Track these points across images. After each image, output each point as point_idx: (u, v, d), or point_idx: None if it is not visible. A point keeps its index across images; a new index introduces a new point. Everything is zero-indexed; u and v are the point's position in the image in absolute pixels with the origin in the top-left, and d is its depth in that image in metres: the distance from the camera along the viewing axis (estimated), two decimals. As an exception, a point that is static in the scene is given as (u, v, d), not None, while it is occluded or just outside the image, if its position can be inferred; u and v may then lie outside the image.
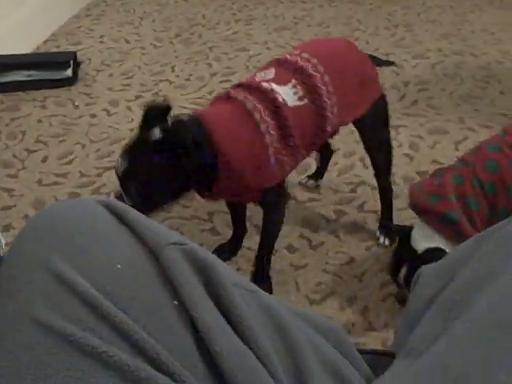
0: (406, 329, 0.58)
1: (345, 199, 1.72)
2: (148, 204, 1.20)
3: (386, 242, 1.54)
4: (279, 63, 1.32)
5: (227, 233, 1.60)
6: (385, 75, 2.44)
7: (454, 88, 2.34)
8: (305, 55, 1.31)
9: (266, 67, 1.33)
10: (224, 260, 1.39)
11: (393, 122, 2.08)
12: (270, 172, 1.25)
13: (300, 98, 1.26)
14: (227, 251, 1.53)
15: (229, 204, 1.49)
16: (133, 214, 0.49)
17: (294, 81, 1.27)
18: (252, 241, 1.54)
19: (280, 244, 1.56)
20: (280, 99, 1.24)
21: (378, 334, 1.31)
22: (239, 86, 1.30)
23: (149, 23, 3.00)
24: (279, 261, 1.51)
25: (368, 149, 1.51)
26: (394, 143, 1.58)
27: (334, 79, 1.30)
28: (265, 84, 1.26)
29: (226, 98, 1.27)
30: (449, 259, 0.64)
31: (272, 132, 1.23)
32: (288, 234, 1.60)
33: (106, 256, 0.44)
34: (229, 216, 1.56)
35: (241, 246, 1.55)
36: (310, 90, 1.27)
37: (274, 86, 1.26)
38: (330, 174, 1.82)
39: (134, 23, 3.01)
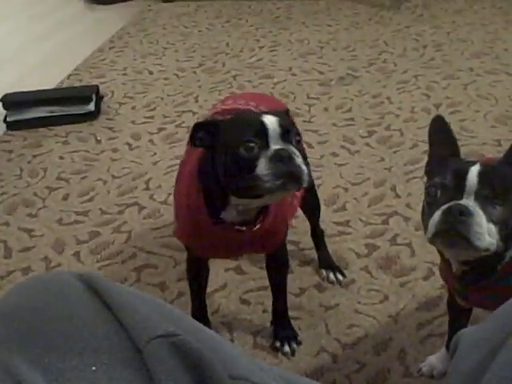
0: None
1: (376, 232, 1.63)
2: None
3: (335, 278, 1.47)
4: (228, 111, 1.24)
5: (253, 271, 1.52)
6: (415, 98, 2.36)
7: (489, 109, 2.24)
8: (252, 103, 1.27)
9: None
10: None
11: (425, 146, 2.01)
12: (292, 203, 1.25)
13: None
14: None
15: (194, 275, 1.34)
16: (117, 294, 0.41)
17: None
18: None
19: (309, 282, 1.48)
20: None
21: (416, 381, 1.21)
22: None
23: (172, 53, 2.97)
24: (307, 301, 1.43)
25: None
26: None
27: None
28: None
29: None
30: (492, 323, 0.55)
31: None
32: (317, 271, 1.51)
33: (78, 357, 0.37)
34: (254, 255, 1.48)
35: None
36: None
37: None
38: (361, 205, 1.73)
39: (158, 54, 2.98)
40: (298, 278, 1.50)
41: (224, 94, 2.48)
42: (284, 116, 1.07)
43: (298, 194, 1.25)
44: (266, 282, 1.46)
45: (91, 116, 2.34)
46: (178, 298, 1.47)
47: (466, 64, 2.63)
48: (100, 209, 1.82)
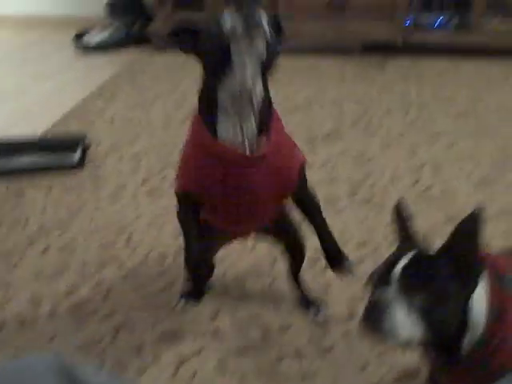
0: None
1: (358, 296, 1.62)
2: None
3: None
4: None
5: (231, 335, 1.50)
6: (399, 157, 2.38)
7: (471, 170, 2.26)
8: None
9: None
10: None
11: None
12: (299, 153, 1.24)
13: None
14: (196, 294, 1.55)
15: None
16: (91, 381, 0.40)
17: None
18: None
19: (287, 348, 1.46)
20: None
21: None
22: None
23: (160, 104, 2.99)
24: (286, 368, 1.40)
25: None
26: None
27: None
28: None
29: None
30: None
31: None
32: (297, 336, 1.49)
33: None
34: (233, 316, 1.46)
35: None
36: None
37: None
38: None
39: (146, 104, 2.99)
40: (277, 343, 1.48)
41: (210, 147, 2.49)
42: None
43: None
44: (244, 348, 1.44)
45: (77, 166, 2.34)
46: (154, 363, 1.43)
47: (449, 124, 2.67)
48: (80, 263, 1.80)
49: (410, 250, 0.94)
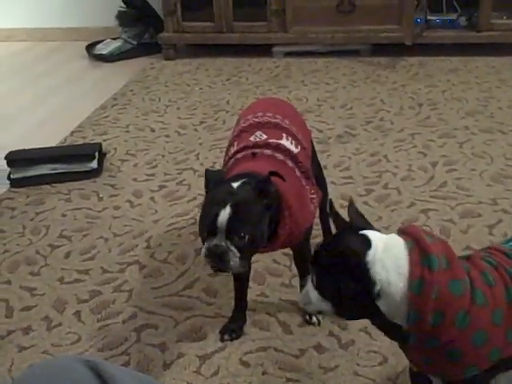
0: None
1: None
2: (251, 249, 1.29)
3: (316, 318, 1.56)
4: (259, 125, 1.51)
5: (251, 332, 1.54)
6: (412, 156, 2.40)
7: (484, 168, 2.28)
8: (269, 114, 1.54)
9: (248, 130, 1.50)
10: (237, 338, 1.42)
11: (422, 205, 2.04)
12: (310, 210, 1.45)
13: (296, 146, 1.49)
14: (236, 329, 1.53)
15: (236, 279, 1.52)
16: (121, 381, 0.43)
17: (284, 134, 1.49)
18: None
19: (308, 343, 1.49)
20: (291, 149, 1.46)
21: None
22: (253, 146, 1.45)
23: (174, 111, 3.03)
24: (307, 363, 1.43)
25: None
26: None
27: (293, 123, 1.57)
28: (271, 140, 1.46)
29: (252, 157, 1.43)
30: None
31: (300, 175, 1.45)
32: (317, 331, 1.52)
33: None
34: (253, 315, 1.49)
35: (246, 320, 1.56)
36: (294, 137, 1.51)
37: (278, 141, 1.45)
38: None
39: (160, 111, 3.04)
40: (298, 338, 1.51)
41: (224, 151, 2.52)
42: (243, 210, 1.25)
43: (315, 199, 1.47)
44: (266, 343, 1.47)
45: (94, 173, 2.38)
46: (178, 359, 1.47)
47: (461, 122, 2.69)
48: (101, 267, 1.84)
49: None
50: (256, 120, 1.53)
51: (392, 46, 3.58)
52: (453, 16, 3.56)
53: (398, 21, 3.47)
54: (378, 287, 0.95)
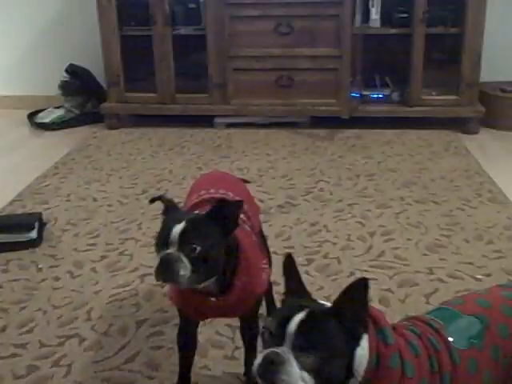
0: None
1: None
2: (204, 265, 1.28)
3: None
4: (212, 200, 1.47)
5: None
6: (350, 226, 2.47)
7: (420, 237, 2.37)
8: (222, 191, 1.56)
9: (201, 205, 1.49)
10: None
11: (362, 275, 2.08)
12: (263, 278, 1.45)
13: (244, 222, 1.51)
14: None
15: (182, 349, 1.53)
16: None
17: None
18: None
19: None
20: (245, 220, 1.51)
21: None
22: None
23: (116, 180, 3.04)
24: None
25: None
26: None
27: (246, 200, 1.53)
28: None
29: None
30: None
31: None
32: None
33: None
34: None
35: None
36: (246, 214, 1.54)
37: None
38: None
39: (102, 180, 3.04)
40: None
41: (167, 221, 2.53)
42: (196, 227, 1.27)
43: (267, 270, 1.50)
44: None
45: (33, 243, 2.34)
46: None
47: (396, 193, 2.80)
48: (39, 341, 1.79)
49: (299, 305, 1.01)
50: (209, 196, 1.55)
51: (330, 119, 3.72)
52: (386, 91, 3.75)
53: (334, 95, 3.63)
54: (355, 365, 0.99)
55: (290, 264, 1.09)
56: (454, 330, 1.10)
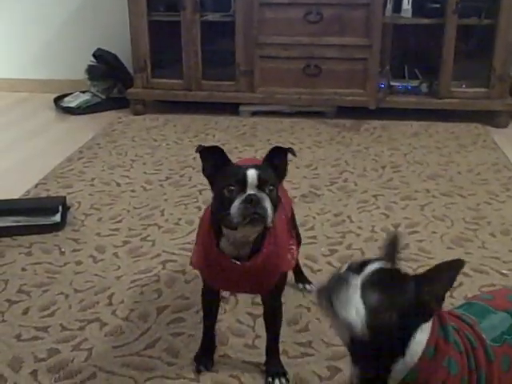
0: None
1: (339, 354, 1.63)
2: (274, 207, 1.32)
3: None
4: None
5: None
6: (374, 218, 2.44)
7: (445, 231, 2.33)
8: None
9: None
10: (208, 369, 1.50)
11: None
12: (289, 259, 1.48)
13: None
14: (209, 359, 1.60)
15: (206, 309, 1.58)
16: None
17: None
18: None
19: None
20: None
21: None
22: None
23: (140, 166, 3.04)
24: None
25: None
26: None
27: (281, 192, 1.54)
28: None
29: None
30: None
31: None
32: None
33: None
34: (216, 376, 1.47)
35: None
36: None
37: None
38: (323, 326, 1.75)
39: (126, 166, 3.04)
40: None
41: (190, 208, 2.53)
42: (265, 170, 1.32)
43: (295, 251, 1.54)
44: None
45: (57, 227, 2.35)
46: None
47: (422, 185, 2.76)
48: (61, 324, 1.79)
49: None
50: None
51: (356, 109, 3.68)
52: (415, 83, 3.69)
53: (362, 85, 3.59)
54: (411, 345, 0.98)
55: (392, 240, 1.12)
56: (487, 326, 1.07)
